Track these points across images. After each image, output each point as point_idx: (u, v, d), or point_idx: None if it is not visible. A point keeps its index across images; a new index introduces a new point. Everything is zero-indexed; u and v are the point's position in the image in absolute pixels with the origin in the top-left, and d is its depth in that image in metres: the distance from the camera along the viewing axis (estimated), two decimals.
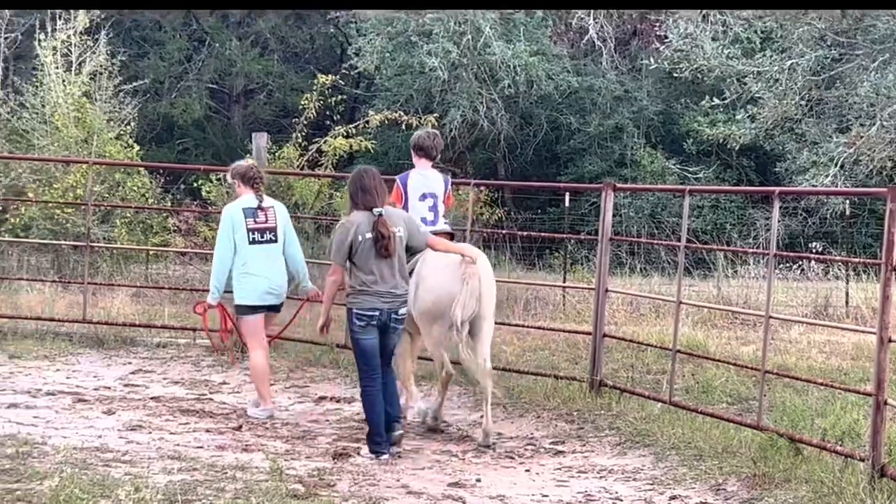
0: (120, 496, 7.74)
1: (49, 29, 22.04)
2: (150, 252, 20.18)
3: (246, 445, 9.98)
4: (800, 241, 27.74)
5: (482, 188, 24.76)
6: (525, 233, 20.47)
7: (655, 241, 24.85)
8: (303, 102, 22.50)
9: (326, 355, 14.15)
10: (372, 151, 23.70)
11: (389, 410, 10.08)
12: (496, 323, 11.53)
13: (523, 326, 15.73)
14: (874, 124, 26.38)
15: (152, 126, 34.40)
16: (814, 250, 25.25)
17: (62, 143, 20.97)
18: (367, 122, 23.59)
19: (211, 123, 38.59)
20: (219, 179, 21.15)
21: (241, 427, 10.74)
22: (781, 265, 21.71)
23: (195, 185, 23.49)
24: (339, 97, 23.97)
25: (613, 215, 12.55)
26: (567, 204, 24.38)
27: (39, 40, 21.95)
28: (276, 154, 21.33)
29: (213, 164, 29.32)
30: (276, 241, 11.46)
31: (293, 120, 22.56)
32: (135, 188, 20.73)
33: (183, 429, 10.55)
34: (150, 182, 21.53)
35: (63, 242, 19.44)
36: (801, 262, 21.95)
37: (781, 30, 28.84)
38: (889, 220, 8.31)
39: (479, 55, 29.86)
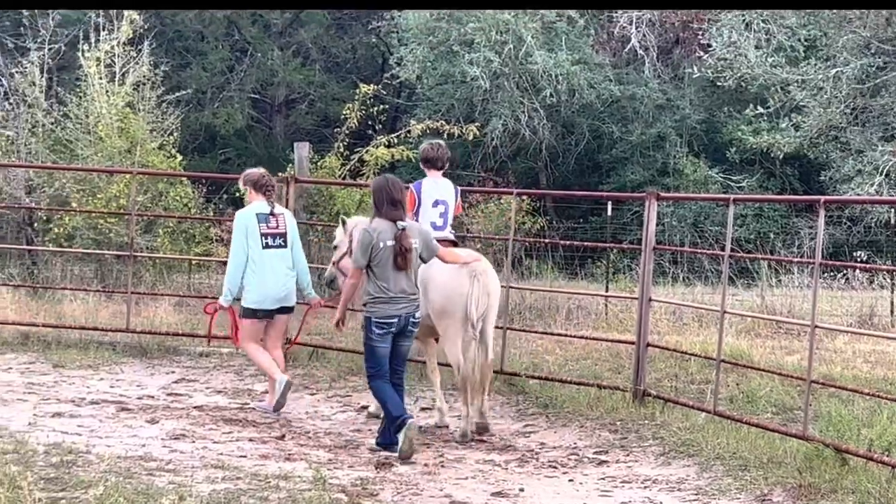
0: None
1: (93, 40, 22.14)
2: (193, 261, 20.21)
3: (289, 454, 9.98)
4: (844, 249, 27.54)
5: (524, 197, 24.69)
6: (567, 242, 20.43)
7: (699, 251, 24.72)
8: (344, 112, 22.51)
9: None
10: (413, 161, 23.67)
11: (394, 411, 10.32)
12: (539, 332, 11.63)
13: (566, 336, 15.65)
14: None
15: (195, 136, 34.52)
16: (858, 259, 25.06)
17: (106, 154, 21.04)
18: (409, 131, 23.57)
19: (253, 133, 38.69)
20: None
21: (284, 436, 10.75)
22: (826, 274, 21.57)
23: (237, 194, 23.51)
24: (381, 107, 23.96)
25: (656, 224, 12.49)
26: (609, 213, 24.30)
27: (83, 51, 22.04)
28: (318, 163, 21.34)
29: None
30: (285, 246, 11.86)
31: (335, 129, 22.57)
32: (177, 198, 20.79)
33: (226, 438, 10.56)
34: (193, 192, 21.60)
35: (106, 252, 19.50)
36: (845, 271, 21.80)
37: (826, 38, 28.70)
38: None
39: (520, 64, 29.82)
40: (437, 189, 12.04)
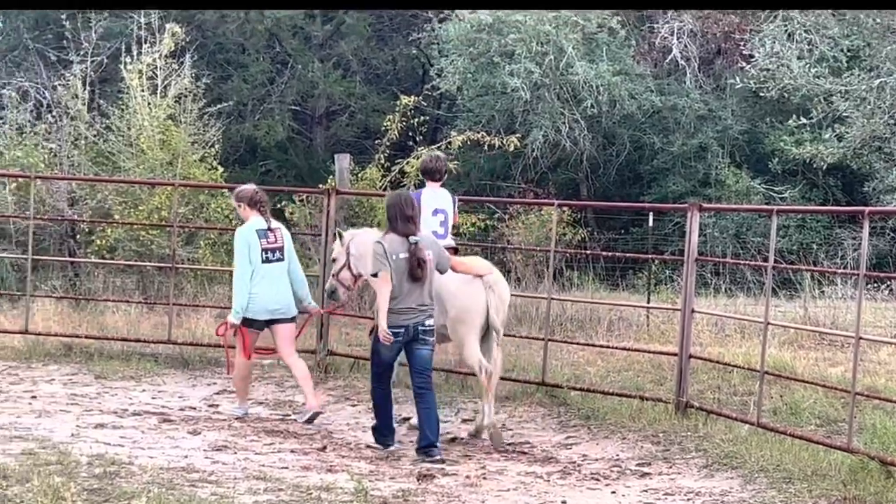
0: None
1: (135, 53, 22.25)
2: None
3: (330, 466, 9.98)
4: (888, 260, 27.35)
5: (565, 208, 24.65)
6: (608, 253, 20.36)
7: (742, 262, 24.59)
8: (385, 123, 22.53)
9: (409, 376, 14.10)
10: (454, 172, 23.67)
11: (429, 435, 10.68)
12: (581, 343, 11.69)
13: (607, 347, 15.62)
14: None
15: (236, 148, 34.61)
16: None
17: (148, 166, 21.13)
18: (450, 142, 23.56)
19: (293, 145, 38.74)
20: (301, 201, 21.22)
21: (325, 448, 10.75)
22: (869, 285, 21.40)
23: (278, 206, 23.58)
24: (421, 118, 23.97)
25: (698, 235, 12.44)
26: (650, 224, 24.25)
27: (125, 64, 22.15)
28: (359, 175, 21.37)
29: (296, 186, 29.46)
30: (283, 259, 12.26)
31: (375, 141, 22.59)
32: (219, 209, 20.84)
33: (268, 449, 10.57)
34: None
35: (148, 264, 19.57)
36: (889, 282, 21.63)
37: (869, 48, 28.52)
38: None
39: (561, 75, 29.75)
40: (436, 199, 12.35)
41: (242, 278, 12.00)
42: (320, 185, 19.73)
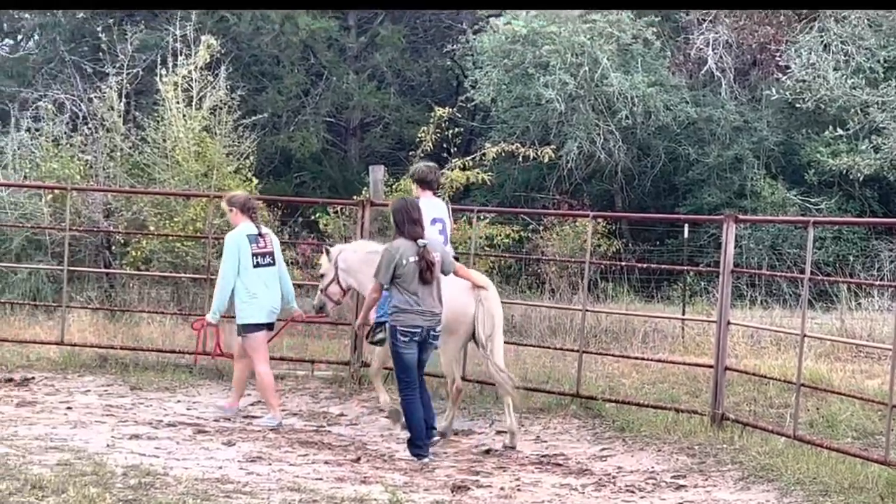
0: None
1: (170, 65, 22.33)
2: None
3: (364, 477, 9.96)
4: None
5: (600, 220, 24.59)
6: (643, 264, 20.29)
7: (778, 273, 24.47)
8: (419, 135, 22.55)
9: (444, 387, 14.09)
10: (488, 183, 23.67)
11: (427, 418, 11.16)
12: (616, 355, 11.71)
13: (642, 359, 15.56)
14: None
15: (270, 159, 34.69)
16: None
17: (183, 177, 21.20)
18: (484, 154, 23.55)
19: (328, 156, 38.79)
20: (336, 212, 21.25)
21: (359, 459, 10.74)
22: None
23: (312, 217, 23.66)
24: (456, 129, 23.97)
25: (734, 247, 12.39)
26: (686, 235, 24.14)
27: (160, 76, 22.25)
28: (393, 186, 21.38)
29: (330, 197, 29.53)
30: (273, 264, 12.65)
31: (410, 152, 22.61)
32: None
33: (302, 460, 10.57)
34: (268, 215, 21.70)
35: (183, 275, 19.62)
36: None
37: None
38: None
39: (596, 86, 29.70)
40: (433, 208, 12.60)
41: (226, 281, 12.37)
42: (354, 197, 19.76)
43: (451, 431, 11.98)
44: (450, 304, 11.51)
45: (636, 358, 15.67)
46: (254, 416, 12.81)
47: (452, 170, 22.17)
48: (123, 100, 22.90)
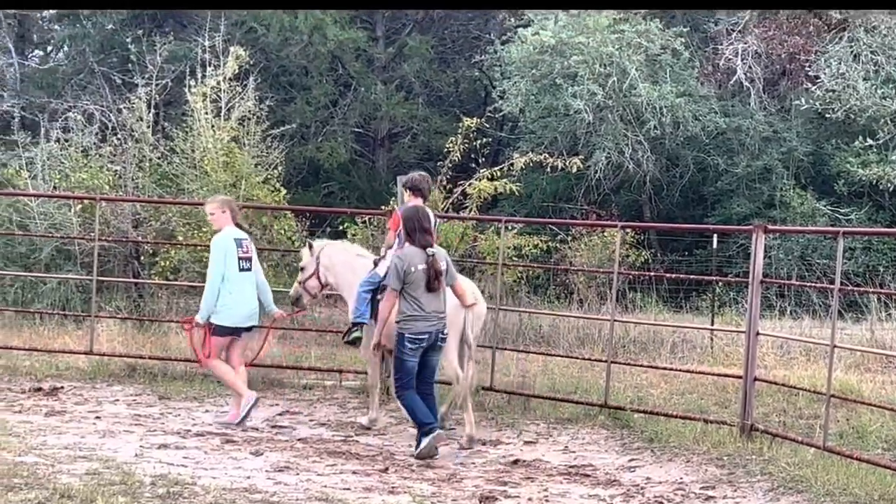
0: None
1: (199, 76, 22.38)
2: None
3: (392, 487, 9.94)
4: None
5: (628, 230, 24.54)
6: (672, 275, 20.24)
7: (807, 284, 24.36)
8: (447, 145, 22.52)
9: (471, 397, 14.08)
10: (516, 194, 23.63)
11: (431, 418, 11.38)
12: (644, 366, 11.70)
13: (671, 370, 15.50)
14: None
15: (298, 170, 34.75)
16: None
17: (211, 188, 21.21)
18: (512, 164, 23.50)
19: (356, 167, 38.86)
20: (364, 222, 21.25)
21: (387, 469, 10.71)
22: None
23: (341, 227, 23.63)
24: (484, 140, 23.93)
25: (763, 257, 12.34)
26: (715, 246, 24.05)
27: (189, 87, 22.30)
28: None
29: (359, 208, 29.55)
30: (251, 269, 12.82)
31: (438, 163, 22.58)
32: (282, 231, 20.93)
33: (330, 470, 10.56)
34: (297, 225, 21.73)
35: None
36: None
37: None
38: None
39: (624, 97, 29.67)
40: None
41: (215, 283, 12.47)
42: (383, 207, 19.78)
43: (477, 441, 12.13)
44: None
45: (665, 368, 15.62)
46: (281, 426, 12.81)
47: (480, 180, 22.12)
48: (152, 110, 22.95)
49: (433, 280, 11.31)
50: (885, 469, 10.21)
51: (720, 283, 24.20)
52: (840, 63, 28.12)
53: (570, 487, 10.31)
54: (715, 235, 24.39)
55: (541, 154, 23.86)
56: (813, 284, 22.77)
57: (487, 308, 13.23)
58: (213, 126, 21.88)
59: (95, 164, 21.79)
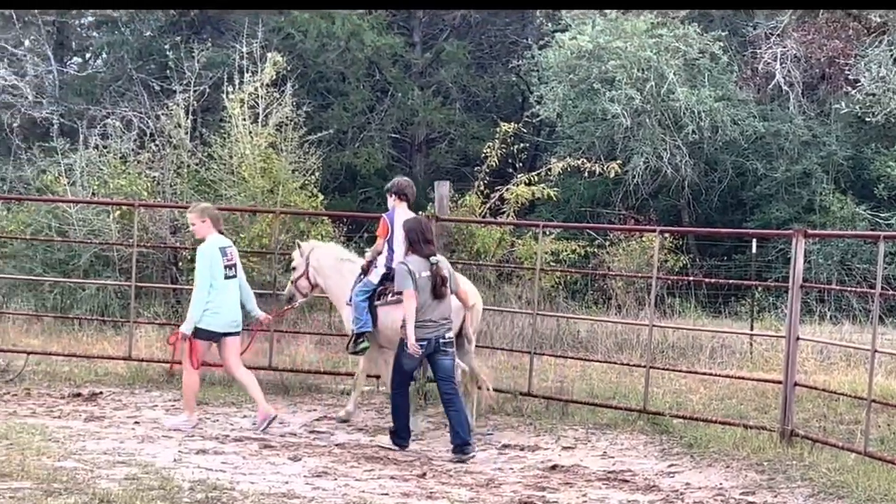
0: None
1: (236, 82, 22.43)
2: None
3: (431, 493, 9.92)
4: None
5: (667, 235, 24.46)
6: (710, 280, 20.14)
7: (847, 289, 24.21)
8: (485, 150, 22.50)
9: (509, 403, 14.06)
10: (554, 199, 23.58)
11: (462, 434, 11.66)
12: (683, 371, 11.76)
13: (710, 375, 15.43)
14: None
15: (335, 176, 34.78)
16: None
17: (249, 194, 21.26)
18: (549, 169, 23.46)
19: (393, 172, 38.68)
20: None
21: (425, 474, 10.69)
22: None
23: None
24: (521, 145, 23.91)
25: (803, 262, 12.26)
26: (754, 250, 23.94)
27: (227, 93, 22.35)
28: (459, 202, 21.33)
29: None
30: (236, 276, 12.91)
31: (475, 168, 22.55)
32: (319, 237, 20.92)
33: (368, 475, 10.54)
34: (334, 231, 21.73)
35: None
36: None
37: None
38: None
39: (662, 101, 29.58)
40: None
41: (202, 292, 12.51)
42: (420, 213, 19.75)
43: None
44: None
45: (704, 373, 15.55)
46: (319, 431, 12.81)
47: (518, 185, 22.09)
48: (190, 117, 23.01)
49: (439, 287, 11.69)
50: None
51: (759, 288, 24.07)
52: (880, 66, 27.94)
53: (609, 493, 10.26)
54: (754, 240, 24.29)
55: (578, 159, 23.82)
56: (853, 289, 22.58)
57: (526, 313, 14.16)
58: (250, 132, 21.91)
59: (134, 170, 21.86)
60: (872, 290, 12.33)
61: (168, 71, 29.82)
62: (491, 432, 12.64)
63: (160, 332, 17.73)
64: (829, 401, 14.23)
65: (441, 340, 11.76)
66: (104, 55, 39.41)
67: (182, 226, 21.00)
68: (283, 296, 14.19)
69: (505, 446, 12.24)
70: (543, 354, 16.44)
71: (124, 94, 33.01)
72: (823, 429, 12.79)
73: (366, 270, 13.13)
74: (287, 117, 22.46)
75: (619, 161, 25.26)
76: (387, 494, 9.76)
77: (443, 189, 17.67)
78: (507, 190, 22.00)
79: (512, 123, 22.79)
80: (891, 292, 22.29)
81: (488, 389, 13.07)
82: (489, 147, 22.33)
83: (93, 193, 21.81)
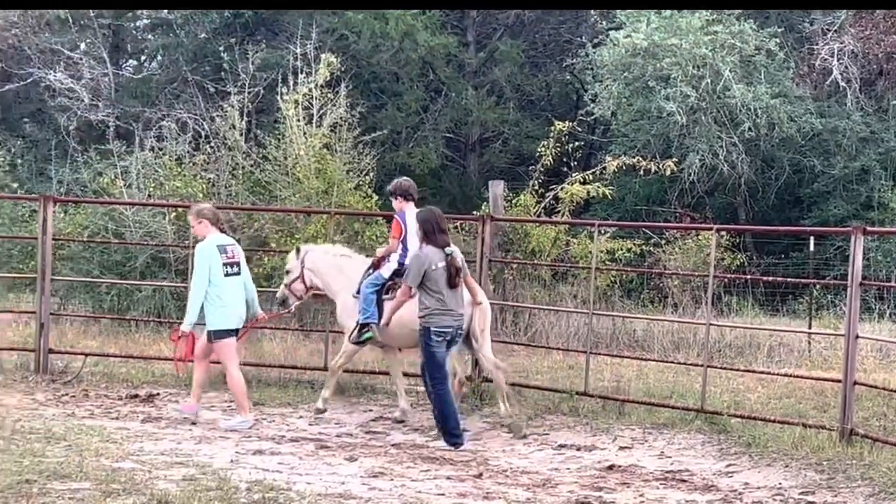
0: None
1: (291, 83, 22.47)
2: None
3: (487, 493, 9.89)
4: None
5: (723, 233, 24.31)
6: (768, 278, 19.97)
7: None
8: (539, 149, 22.45)
9: (566, 402, 14.02)
10: (609, 197, 23.49)
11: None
12: (741, 370, 11.59)
13: (768, 374, 15.33)
14: None
15: (390, 176, 34.36)
16: None
17: (303, 195, 21.29)
18: (604, 168, 23.39)
19: (447, 172, 38.87)
20: (455, 228, 21.23)
21: (481, 474, 10.66)
22: None
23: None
24: (576, 143, 23.84)
25: (862, 259, 12.13)
26: (811, 248, 23.74)
27: (281, 94, 22.40)
28: (513, 201, 21.30)
29: (450, 213, 29.44)
30: (239, 273, 13.11)
31: (529, 167, 22.51)
32: (373, 237, 20.93)
33: (424, 476, 10.52)
34: (388, 231, 21.71)
35: None
36: None
37: None
38: None
39: (718, 98, 29.39)
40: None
41: (199, 290, 12.75)
42: (474, 212, 19.72)
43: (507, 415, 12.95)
44: None
45: (762, 372, 15.46)
46: (375, 431, 12.81)
47: (572, 184, 22.04)
48: (245, 118, 23.07)
49: (454, 277, 11.94)
50: None
51: (817, 286, 23.86)
52: None
53: (667, 493, 10.19)
54: (812, 238, 24.09)
55: (633, 157, 23.73)
56: None
57: (581, 313, 14.18)
58: (305, 133, 21.95)
59: (189, 172, 21.95)
60: None
61: (223, 73, 29.93)
62: (547, 432, 12.62)
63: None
64: (889, 399, 14.08)
65: (460, 331, 12.17)
66: (159, 57, 39.63)
67: (237, 227, 21.08)
68: (276, 299, 14.39)
69: (561, 446, 12.18)
70: (599, 354, 16.38)
71: (179, 96, 33.17)
72: (884, 427, 12.66)
73: (377, 265, 13.39)
74: (341, 118, 22.48)
75: (674, 159, 25.15)
76: (443, 495, 9.74)
77: (497, 189, 17.65)
78: (561, 189, 21.96)
79: (566, 122, 22.75)
80: None
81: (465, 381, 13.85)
82: (543, 146, 22.28)
83: (149, 195, 21.91)
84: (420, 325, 12.02)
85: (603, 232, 22.24)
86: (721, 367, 15.71)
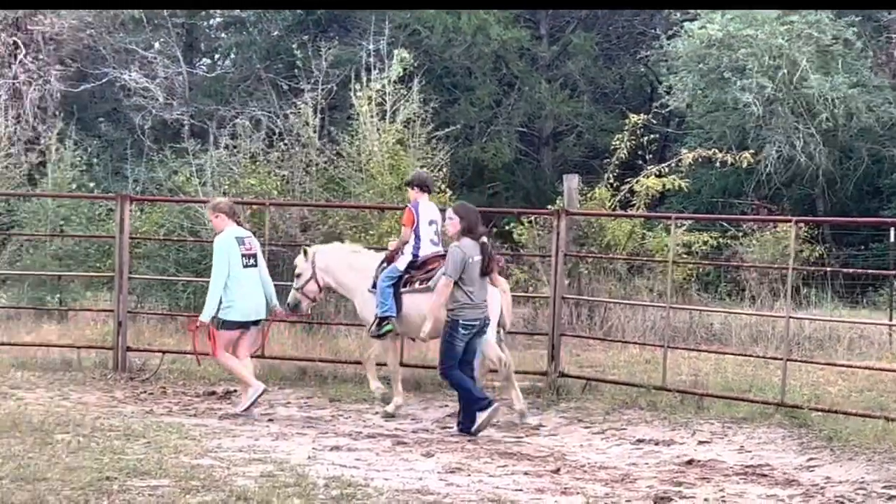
0: None
1: (364, 79, 22.48)
2: None
3: (565, 488, 9.82)
4: None
5: (801, 225, 24.07)
6: (847, 270, 19.76)
7: None
8: (613, 142, 22.33)
9: (643, 397, 13.91)
10: (685, 190, 23.32)
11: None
12: (821, 363, 11.61)
13: (849, 366, 15.13)
14: None
15: (463, 171, 34.73)
16: None
17: (377, 191, 21.28)
18: (680, 160, 23.22)
19: (520, 166, 38.79)
20: (530, 222, 21.17)
21: (559, 470, 10.59)
22: None
23: (506, 228, 23.55)
24: (650, 136, 23.68)
25: None
26: (892, 239, 23.44)
27: (354, 90, 22.41)
28: (588, 195, 21.19)
29: (524, 207, 29.45)
30: (256, 265, 13.34)
31: (604, 160, 22.41)
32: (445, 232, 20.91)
33: (501, 471, 10.47)
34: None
35: None
36: None
37: None
38: None
39: (795, 89, 29.11)
40: (429, 210, 13.67)
41: (219, 282, 12.96)
42: (549, 207, 19.63)
43: (527, 413, 13.19)
44: None
45: (842, 365, 15.28)
46: (449, 427, 12.77)
47: (648, 177, 21.89)
48: (318, 115, 23.10)
49: (486, 265, 12.19)
50: None
51: None
52: None
53: (747, 487, 10.07)
54: (892, 229, 23.75)
55: (709, 149, 23.56)
56: None
57: (658, 306, 14.45)
58: (378, 129, 21.94)
59: (263, 169, 22.00)
60: None
61: (295, 70, 30.00)
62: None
63: (292, 330, 17.83)
64: None
65: (487, 321, 12.37)
66: (232, 56, 39.89)
67: (312, 223, 21.12)
68: (289, 304, 14.35)
69: (639, 441, 12.09)
70: (677, 348, 16.26)
71: (253, 94, 33.34)
72: None
73: (391, 259, 13.51)
74: (414, 113, 22.45)
75: (751, 150, 24.92)
76: (521, 490, 9.68)
77: (572, 182, 17.59)
78: (636, 182, 21.82)
79: (641, 115, 22.62)
80: None
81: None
82: (618, 139, 22.17)
83: (224, 193, 21.95)
84: (448, 317, 12.19)
85: (679, 225, 22.06)
86: (801, 361, 15.54)
